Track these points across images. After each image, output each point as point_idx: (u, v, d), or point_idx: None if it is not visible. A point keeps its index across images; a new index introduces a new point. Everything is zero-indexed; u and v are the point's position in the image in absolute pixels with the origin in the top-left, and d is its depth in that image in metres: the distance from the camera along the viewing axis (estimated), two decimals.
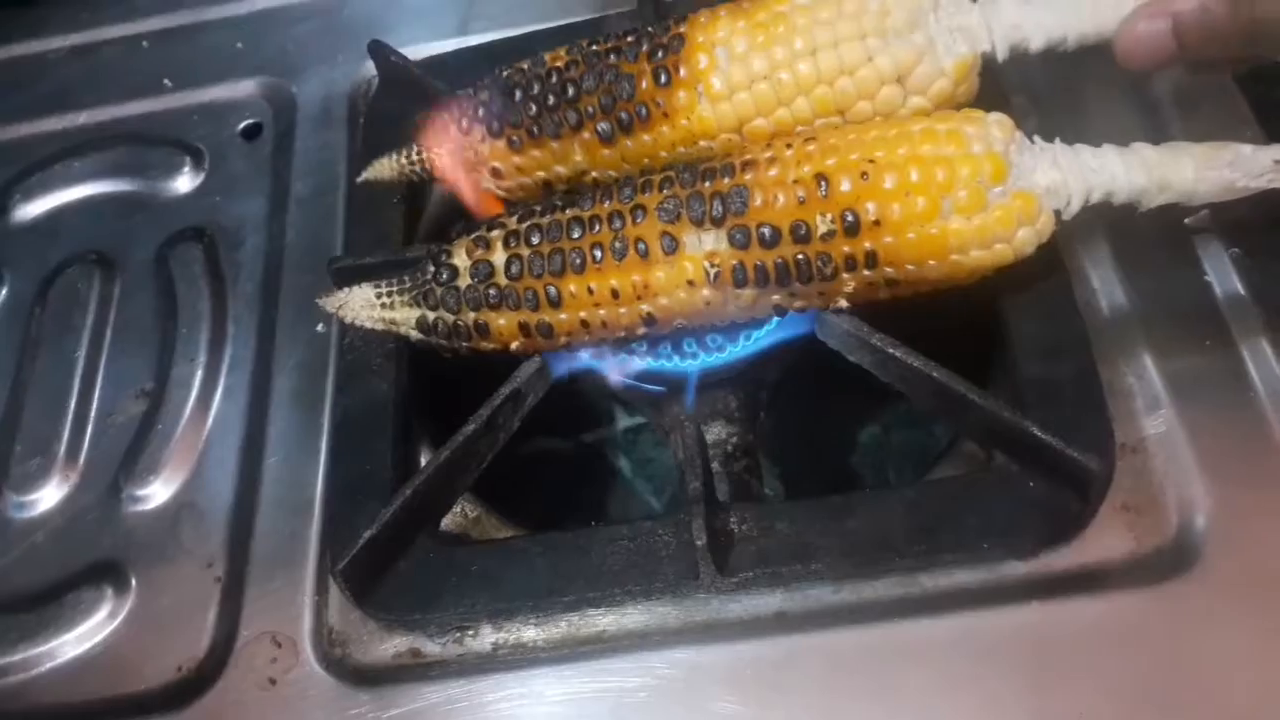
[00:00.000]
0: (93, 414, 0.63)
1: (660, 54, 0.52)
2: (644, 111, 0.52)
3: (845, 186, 0.47)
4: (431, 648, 0.51)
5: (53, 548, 0.58)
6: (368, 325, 0.54)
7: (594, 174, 0.55)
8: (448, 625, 0.51)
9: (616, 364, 0.56)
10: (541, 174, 0.56)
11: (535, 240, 0.51)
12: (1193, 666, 0.44)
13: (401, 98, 0.66)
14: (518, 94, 0.54)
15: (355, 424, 0.57)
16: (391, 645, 0.51)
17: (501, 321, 0.52)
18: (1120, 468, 0.49)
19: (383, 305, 0.54)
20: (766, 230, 0.48)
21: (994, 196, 0.46)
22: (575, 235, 0.50)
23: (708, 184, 0.49)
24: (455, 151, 0.56)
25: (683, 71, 0.51)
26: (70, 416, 0.63)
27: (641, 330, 0.52)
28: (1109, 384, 0.51)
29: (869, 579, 0.48)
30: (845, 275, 0.48)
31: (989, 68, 0.52)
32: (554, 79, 0.54)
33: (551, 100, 0.53)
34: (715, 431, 0.57)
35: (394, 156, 0.57)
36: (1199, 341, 0.52)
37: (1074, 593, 0.46)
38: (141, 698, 0.52)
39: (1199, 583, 0.46)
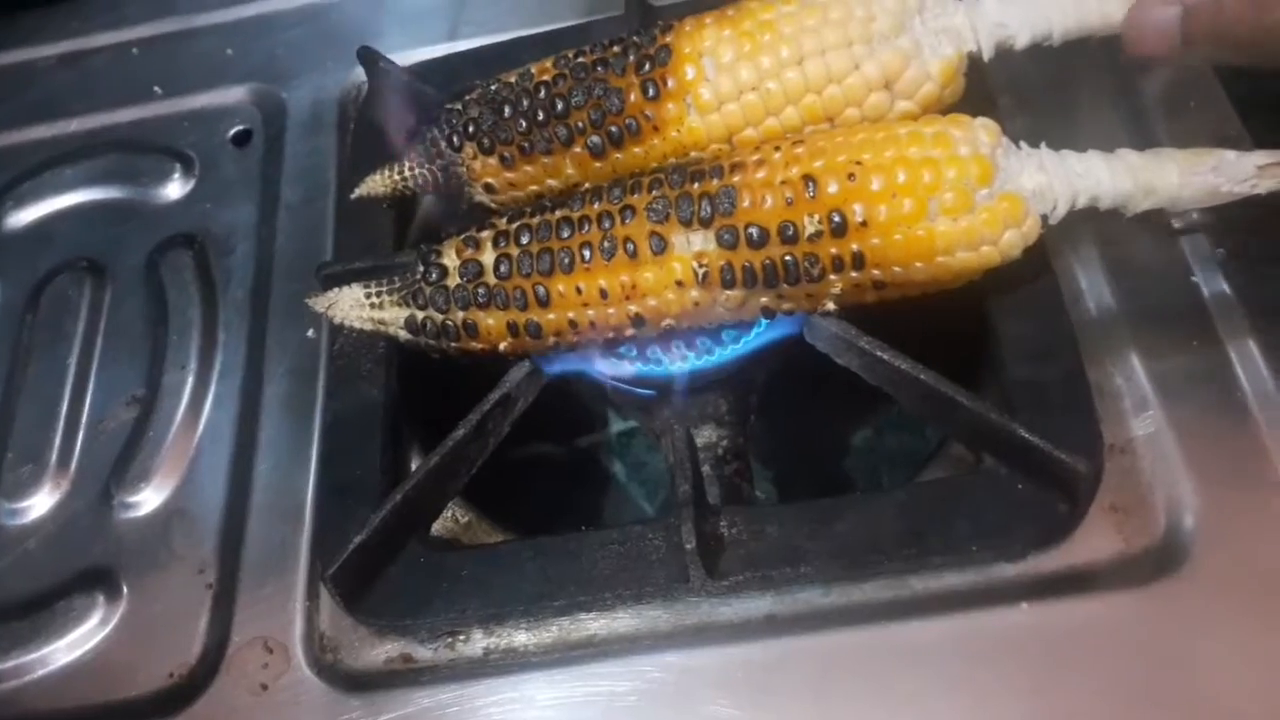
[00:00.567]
0: (84, 421, 0.63)
1: (647, 66, 0.52)
2: (634, 125, 0.52)
3: (832, 188, 0.47)
4: (423, 653, 0.51)
5: (44, 555, 0.58)
6: (356, 325, 0.54)
7: (586, 185, 0.55)
8: (439, 630, 0.51)
9: (605, 367, 0.56)
10: (534, 188, 0.56)
11: (525, 240, 0.51)
12: (1183, 666, 0.44)
13: (391, 104, 0.66)
14: (507, 110, 0.54)
15: (345, 429, 0.57)
16: (383, 650, 0.51)
17: (490, 321, 0.52)
18: (1108, 468, 0.49)
19: (372, 305, 0.54)
20: (754, 231, 0.48)
21: (980, 199, 0.46)
22: (564, 235, 0.50)
23: (696, 185, 0.49)
24: (447, 167, 0.56)
25: (670, 83, 0.51)
26: (62, 423, 0.63)
27: (630, 331, 0.52)
28: (1097, 385, 0.51)
29: (859, 582, 0.48)
30: (832, 276, 0.48)
31: (976, 69, 0.52)
32: (542, 94, 0.54)
33: (541, 116, 0.53)
34: (705, 435, 0.57)
35: (385, 172, 0.57)
36: (1186, 342, 0.52)
37: (1064, 594, 0.47)
38: (133, 704, 0.52)
39: (1188, 582, 0.46)
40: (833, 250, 0.48)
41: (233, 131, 0.74)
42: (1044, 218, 0.48)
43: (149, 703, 0.52)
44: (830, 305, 0.50)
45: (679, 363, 0.56)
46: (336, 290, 0.54)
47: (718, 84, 0.51)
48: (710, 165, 0.50)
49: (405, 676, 0.50)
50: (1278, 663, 0.44)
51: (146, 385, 0.63)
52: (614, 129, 0.53)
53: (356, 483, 0.54)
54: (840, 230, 0.47)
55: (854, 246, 0.47)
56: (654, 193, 0.50)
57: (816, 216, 0.47)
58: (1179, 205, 0.48)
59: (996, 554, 0.48)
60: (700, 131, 0.52)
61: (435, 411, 0.59)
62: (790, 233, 0.48)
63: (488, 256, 0.51)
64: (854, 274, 0.48)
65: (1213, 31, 0.43)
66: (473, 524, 0.58)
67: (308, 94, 0.74)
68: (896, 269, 0.48)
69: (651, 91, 0.52)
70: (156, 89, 0.77)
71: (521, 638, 0.50)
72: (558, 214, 0.51)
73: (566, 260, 0.50)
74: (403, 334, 0.53)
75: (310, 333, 0.62)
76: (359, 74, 0.72)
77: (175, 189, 0.72)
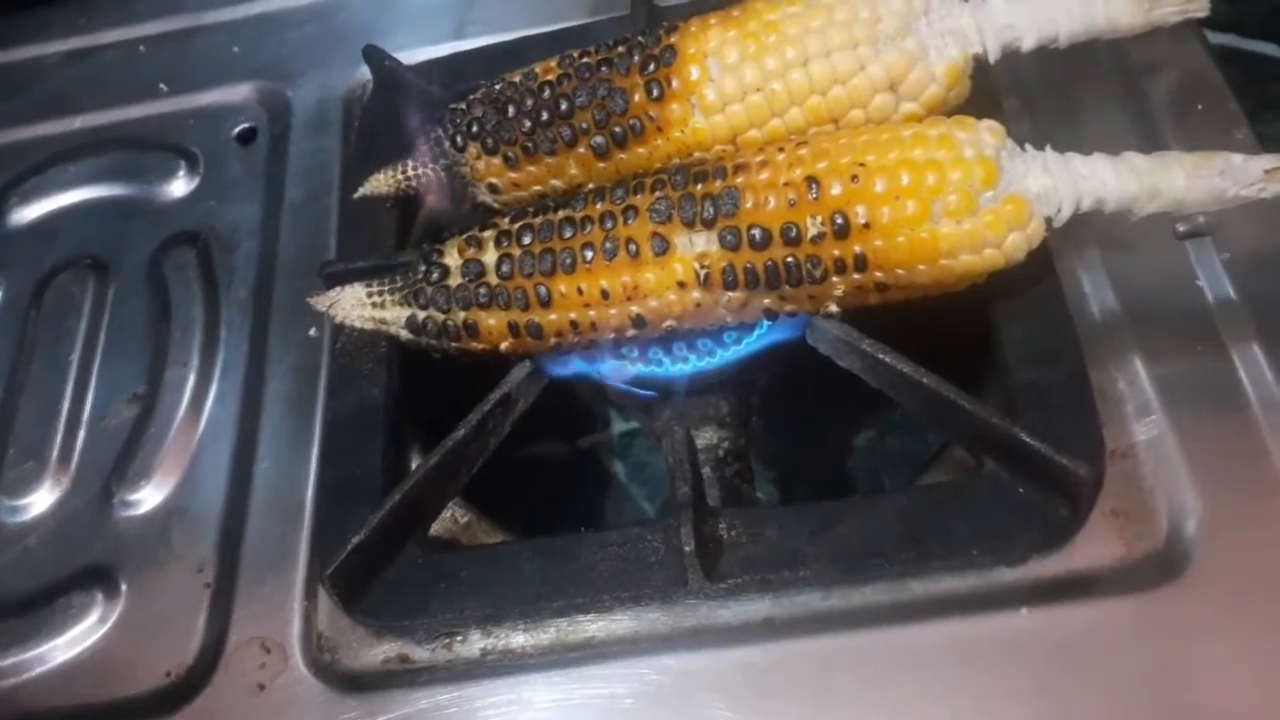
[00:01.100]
0: (85, 418, 0.63)
1: (652, 66, 0.52)
2: (638, 125, 0.52)
3: (835, 190, 0.47)
4: (420, 653, 0.50)
5: (44, 552, 0.58)
6: (358, 325, 0.54)
7: (590, 186, 0.54)
8: (436, 631, 0.50)
9: (607, 368, 0.55)
10: (538, 188, 0.56)
11: (527, 240, 0.51)
12: (1184, 673, 0.44)
13: (396, 103, 0.66)
14: (511, 110, 0.54)
15: (346, 428, 0.56)
16: (380, 651, 0.51)
17: (491, 321, 0.52)
18: (1110, 473, 0.49)
19: (373, 304, 0.53)
20: (757, 232, 0.48)
21: (985, 201, 0.46)
22: (567, 235, 0.50)
23: (699, 186, 0.49)
24: (451, 167, 0.56)
25: (675, 84, 0.51)
26: (63, 421, 0.63)
27: (631, 332, 0.52)
28: (1099, 389, 0.51)
29: (858, 585, 0.48)
30: (835, 278, 0.48)
31: (981, 70, 0.51)
32: (546, 94, 0.53)
33: (545, 116, 0.53)
34: (706, 436, 0.57)
35: (389, 172, 0.57)
36: (1190, 346, 0.52)
37: (1065, 599, 0.46)
38: (131, 702, 0.52)
39: (1190, 589, 0.45)
40: (835, 252, 0.47)
41: (238, 129, 0.74)
42: (1048, 220, 0.47)
43: (146, 701, 0.52)
44: (833, 307, 0.50)
45: (680, 364, 0.55)
46: (338, 289, 0.54)
47: (722, 85, 0.51)
48: (713, 166, 0.50)
49: (402, 677, 0.50)
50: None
51: (148, 382, 0.63)
52: (618, 129, 0.53)
53: (356, 482, 0.54)
54: (843, 232, 0.47)
55: (857, 248, 0.47)
56: (657, 193, 0.50)
57: (819, 218, 0.47)
58: (1184, 209, 0.47)
59: (997, 558, 0.48)
60: (704, 132, 0.52)
61: (436, 411, 0.59)
62: (793, 234, 0.47)
63: (490, 256, 0.51)
64: (856, 276, 0.48)
65: None
66: (472, 524, 0.57)
67: (313, 92, 0.74)
68: (899, 271, 0.47)
69: (656, 92, 0.52)
70: (162, 86, 0.77)
71: (519, 639, 0.50)
72: (560, 214, 0.51)
73: (568, 260, 0.50)
74: (404, 334, 0.53)
75: (312, 331, 0.62)
76: (364, 72, 0.72)
77: (180, 186, 0.72)
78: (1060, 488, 0.47)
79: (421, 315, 0.52)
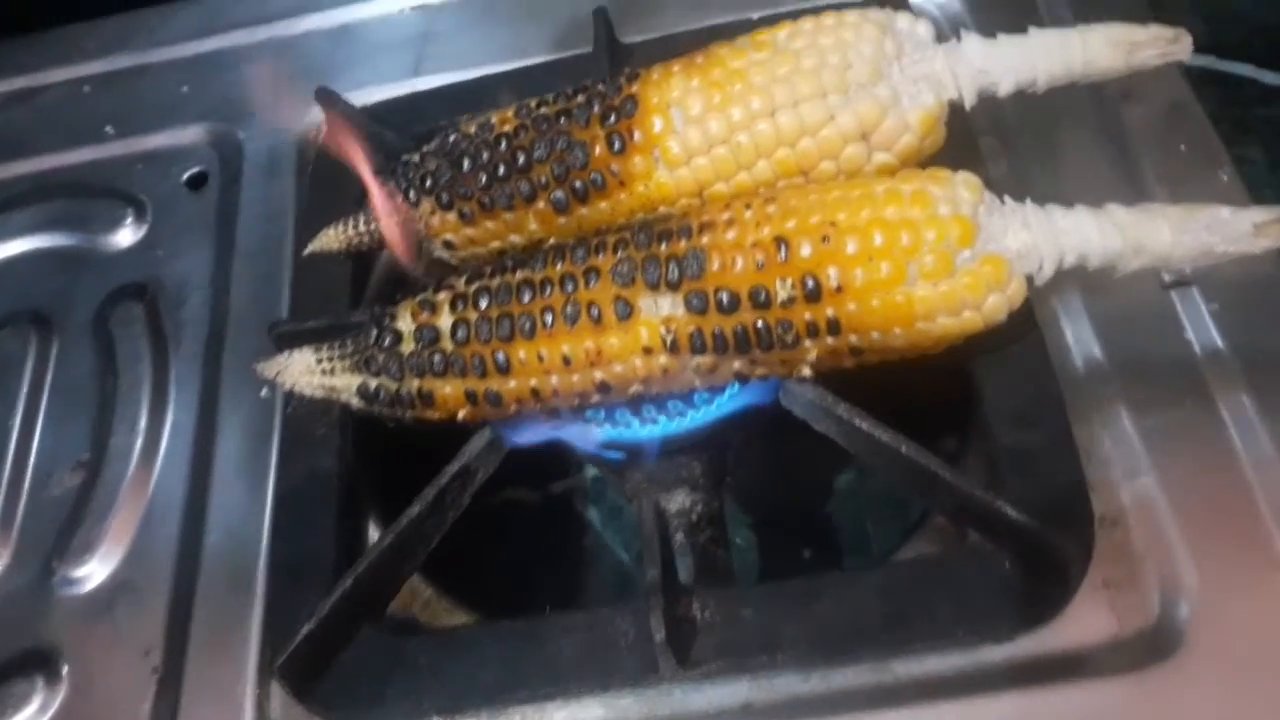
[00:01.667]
0: (26, 487, 0.59)
1: (612, 118, 0.49)
2: (599, 180, 0.50)
3: (806, 251, 0.45)
4: None
5: None
6: (308, 392, 0.51)
7: (551, 242, 0.52)
8: None
9: (572, 433, 0.53)
10: (496, 243, 0.53)
11: (483, 304, 0.49)
12: None
13: (349, 151, 0.63)
14: (466, 163, 0.52)
15: (298, 500, 0.54)
16: None
17: (447, 389, 0.49)
18: (1099, 542, 0.47)
19: (323, 371, 0.51)
20: (725, 296, 0.45)
21: (962, 261, 0.44)
22: (525, 299, 0.48)
23: (663, 246, 0.47)
24: (404, 223, 0.53)
25: (637, 136, 0.49)
26: (3, 490, 0.59)
27: (596, 398, 0.49)
28: (1086, 451, 0.49)
29: (839, 667, 0.46)
30: (808, 342, 0.46)
31: (957, 109, 0.49)
32: (503, 146, 0.51)
33: (502, 170, 0.51)
34: (679, 500, 0.54)
35: (340, 228, 0.55)
36: (1178, 402, 0.50)
37: (1054, 680, 0.44)
38: None
39: (1183, 669, 0.43)
40: (807, 316, 0.45)
41: (187, 174, 0.71)
42: (1030, 278, 0.45)
43: None
44: (806, 371, 0.48)
45: (650, 426, 0.53)
46: (286, 355, 0.51)
47: (686, 137, 0.49)
48: (678, 225, 0.47)
49: None
50: None
51: (93, 447, 0.60)
52: (578, 184, 0.50)
53: (309, 558, 0.52)
54: (814, 295, 0.44)
55: (829, 312, 0.45)
56: (619, 254, 0.47)
57: (789, 281, 0.45)
58: (1171, 264, 0.45)
59: (983, 637, 0.45)
60: (669, 186, 0.50)
61: (394, 477, 0.57)
62: (762, 298, 0.45)
63: (444, 321, 0.49)
64: (830, 340, 0.46)
65: None
66: (431, 602, 0.55)
67: (266, 134, 0.71)
68: (874, 335, 0.45)
69: (617, 145, 0.49)
70: (109, 129, 0.74)
71: None
72: (518, 275, 0.49)
73: (527, 325, 0.47)
74: (355, 402, 0.51)
75: (264, 392, 0.59)
76: (320, 112, 0.69)
77: (127, 235, 0.69)
78: (1048, 562, 0.45)
79: (373, 383, 0.50)
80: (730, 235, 0.46)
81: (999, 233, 0.45)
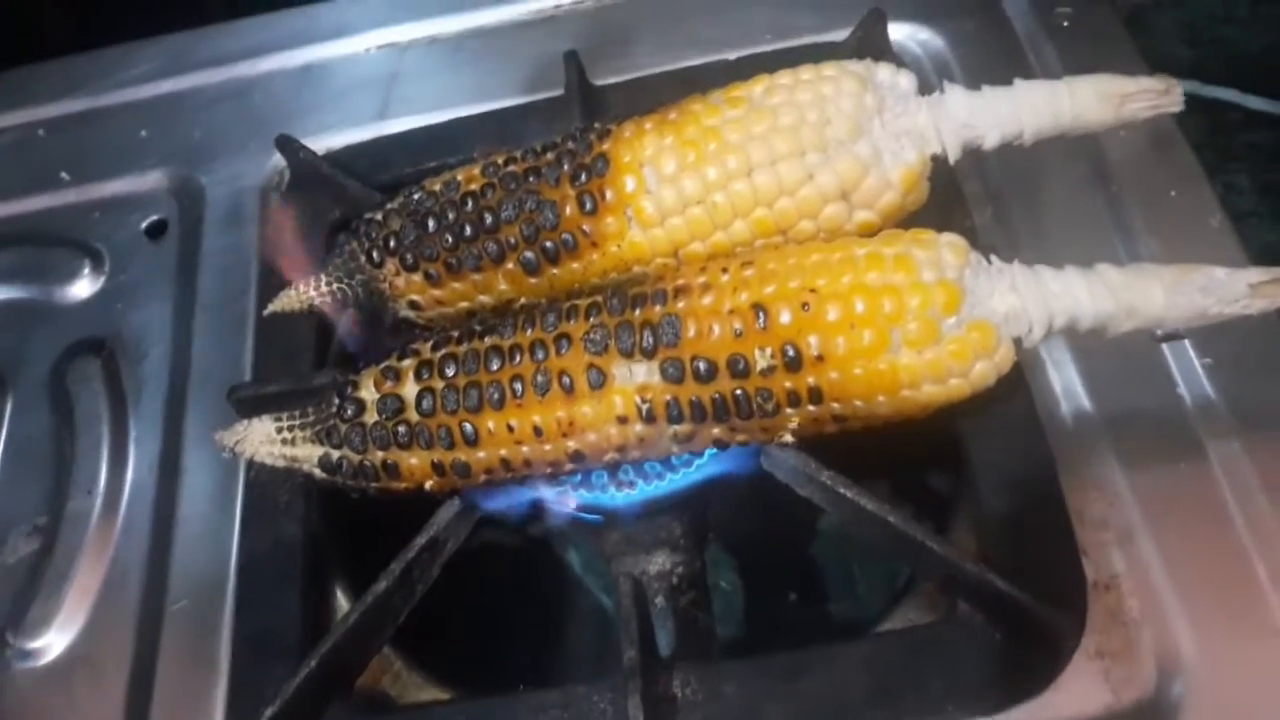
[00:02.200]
0: None
1: (583, 177, 0.47)
2: (570, 240, 0.48)
3: (785, 318, 0.43)
4: None
5: None
6: (268, 462, 0.49)
7: (521, 303, 0.50)
8: None
9: (546, 498, 0.51)
10: (465, 304, 0.52)
11: (450, 372, 0.47)
12: None
13: (312, 202, 0.61)
14: (431, 223, 0.50)
15: (263, 568, 0.52)
16: None
17: (413, 461, 0.47)
18: (1093, 609, 0.45)
19: (284, 441, 0.49)
20: (702, 364, 0.44)
21: (947, 328, 0.42)
22: (494, 367, 0.46)
23: (637, 312, 0.45)
24: (368, 283, 0.51)
25: (609, 195, 0.47)
26: None
27: (569, 466, 0.48)
28: (1078, 513, 0.47)
29: None
30: (789, 411, 0.44)
31: (940, 160, 0.48)
32: (470, 206, 0.49)
33: (469, 231, 0.49)
34: (659, 562, 0.53)
35: (301, 287, 0.52)
36: (1172, 462, 0.49)
37: None
38: None
39: None
40: (787, 385, 0.43)
41: (147, 222, 0.69)
42: (1018, 341, 0.44)
43: None
44: (788, 437, 0.46)
45: (626, 490, 0.51)
46: (245, 424, 0.49)
47: (660, 196, 0.47)
48: (652, 289, 0.45)
49: None
50: None
51: (50, 512, 0.58)
52: (549, 244, 0.48)
53: (275, 631, 0.50)
54: (795, 364, 0.43)
55: (810, 381, 0.43)
56: (591, 320, 0.45)
57: (768, 350, 0.43)
58: (1164, 326, 0.44)
59: (971, 711, 0.44)
60: (643, 247, 0.48)
61: (362, 541, 0.55)
62: (740, 366, 0.43)
63: (409, 390, 0.47)
64: (812, 408, 0.44)
65: None
66: (402, 674, 0.53)
67: (228, 180, 0.69)
68: (857, 403, 0.44)
69: (589, 205, 0.47)
70: (64, 175, 0.71)
71: None
72: (487, 341, 0.47)
73: (496, 395, 0.45)
74: (318, 473, 0.48)
75: (227, 454, 0.57)
76: (282, 159, 0.67)
77: (84, 287, 0.67)
78: (1039, 633, 0.43)
79: (336, 455, 0.48)
80: (707, 300, 0.44)
81: (985, 296, 0.43)
